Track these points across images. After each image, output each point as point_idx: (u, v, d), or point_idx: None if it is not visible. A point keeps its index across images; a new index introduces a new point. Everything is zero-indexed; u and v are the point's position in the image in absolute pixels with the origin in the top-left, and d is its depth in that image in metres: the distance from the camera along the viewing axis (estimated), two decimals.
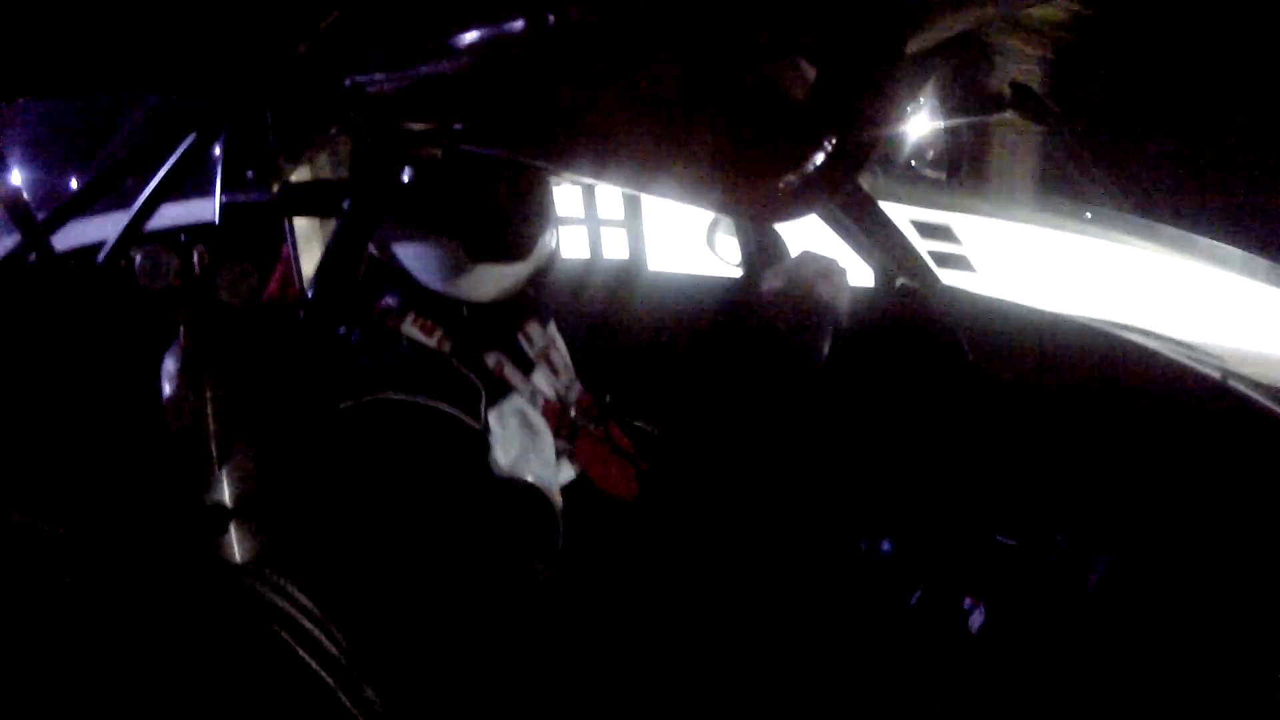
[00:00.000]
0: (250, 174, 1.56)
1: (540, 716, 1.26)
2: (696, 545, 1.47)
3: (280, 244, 1.81)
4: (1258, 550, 1.39)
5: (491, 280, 1.39)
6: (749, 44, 0.76)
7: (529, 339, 1.48)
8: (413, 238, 1.37)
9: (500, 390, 1.38)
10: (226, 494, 1.36)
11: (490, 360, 1.40)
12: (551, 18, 0.87)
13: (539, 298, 1.52)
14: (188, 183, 1.52)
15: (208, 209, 1.65)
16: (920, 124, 1.55)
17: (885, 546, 1.60)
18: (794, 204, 0.85)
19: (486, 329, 1.42)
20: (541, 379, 1.45)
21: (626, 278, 2.35)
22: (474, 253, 1.36)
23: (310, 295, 1.46)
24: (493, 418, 1.35)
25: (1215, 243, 3.00)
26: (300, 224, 1.77)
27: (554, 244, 1.48)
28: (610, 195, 2.39)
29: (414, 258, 1.38)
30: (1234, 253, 2.96)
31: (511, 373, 1.41)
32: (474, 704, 1.23)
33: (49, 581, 0.88)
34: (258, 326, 1.43)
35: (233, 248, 1.39)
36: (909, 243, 2.04)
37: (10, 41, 1.15)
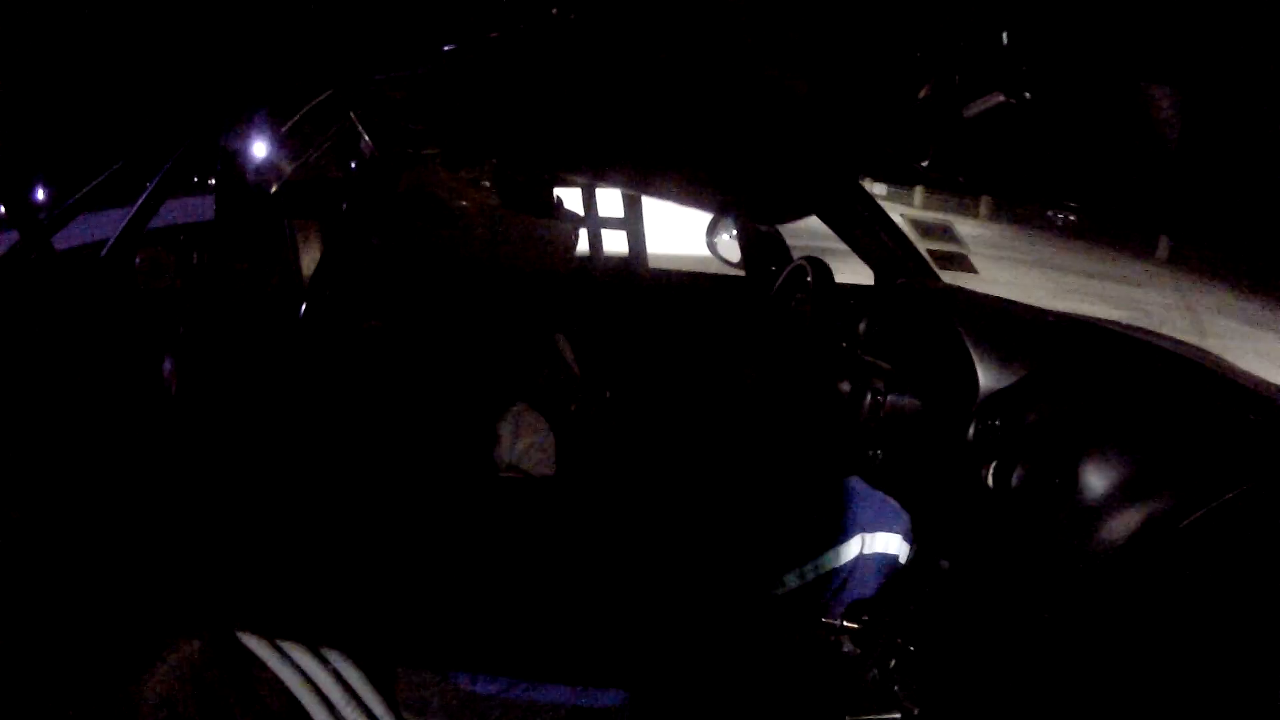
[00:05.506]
0: (250, 174, 1.56)
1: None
2: (696, 540, 1.47)
3: (280, 244, 1.80)
4: (1261, 544, 1.39)
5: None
6: (749, 46, 0.76)
7: (532, 338, 1.49)
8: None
9: (502, 386, 1.39)
10: (231, 491, 1.36)
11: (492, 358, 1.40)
12: (551, 17, 0.87)
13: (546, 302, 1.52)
14: (188, 183, 1.52)
15: (208, 209, 1.65)
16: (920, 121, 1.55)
17: (889, 548, 1.60)
18: (794, 204, 0.86)
19: (490, 323, 1.42)
20: (545, 375, 1.46)
21: (626, 278, 2.35)
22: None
23: (310, 295, 1.46)
24: (495, 415, 1.35)
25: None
26: (300, 224, 1.77)
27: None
28: (610, 195, 2.39)
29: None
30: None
31: (513, 370, 1.41)
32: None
33: None
34: (258, 326, 1.43)
35: (233, 248, 1.39)
36: (909, 242, 2.04)
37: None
